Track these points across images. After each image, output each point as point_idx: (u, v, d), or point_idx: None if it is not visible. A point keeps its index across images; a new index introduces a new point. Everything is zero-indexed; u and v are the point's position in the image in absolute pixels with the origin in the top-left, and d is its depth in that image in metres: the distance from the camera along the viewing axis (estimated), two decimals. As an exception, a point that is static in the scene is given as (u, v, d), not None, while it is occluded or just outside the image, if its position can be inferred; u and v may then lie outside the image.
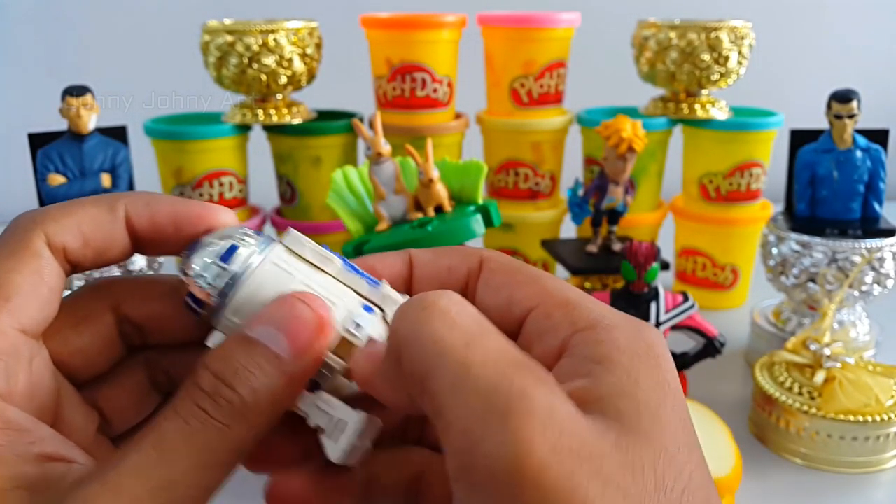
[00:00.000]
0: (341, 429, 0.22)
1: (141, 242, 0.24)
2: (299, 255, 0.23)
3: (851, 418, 0.52)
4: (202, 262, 0.22)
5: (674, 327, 0.58)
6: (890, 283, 0.64)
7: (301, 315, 0.21)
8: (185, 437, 0.19)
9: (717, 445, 0.49)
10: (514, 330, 0.23)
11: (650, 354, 0.20)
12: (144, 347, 0.26)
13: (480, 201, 0.56)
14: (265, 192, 0.84)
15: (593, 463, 0.17)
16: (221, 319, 0.23)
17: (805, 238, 0.64)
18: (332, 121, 0.76)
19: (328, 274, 0.23)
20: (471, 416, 0.17)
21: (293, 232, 0.24)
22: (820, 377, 0.55)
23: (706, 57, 0.73)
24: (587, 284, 0.77)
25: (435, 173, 0.54)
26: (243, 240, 0.23)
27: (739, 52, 0.74)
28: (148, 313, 0.25)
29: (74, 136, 0.63)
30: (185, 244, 0.24)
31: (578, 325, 0.21)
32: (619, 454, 0.18)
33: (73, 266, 0.23)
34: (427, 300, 0.20)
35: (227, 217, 0.24)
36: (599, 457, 0.17)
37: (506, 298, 0.23)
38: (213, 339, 0.23)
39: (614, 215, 0.71)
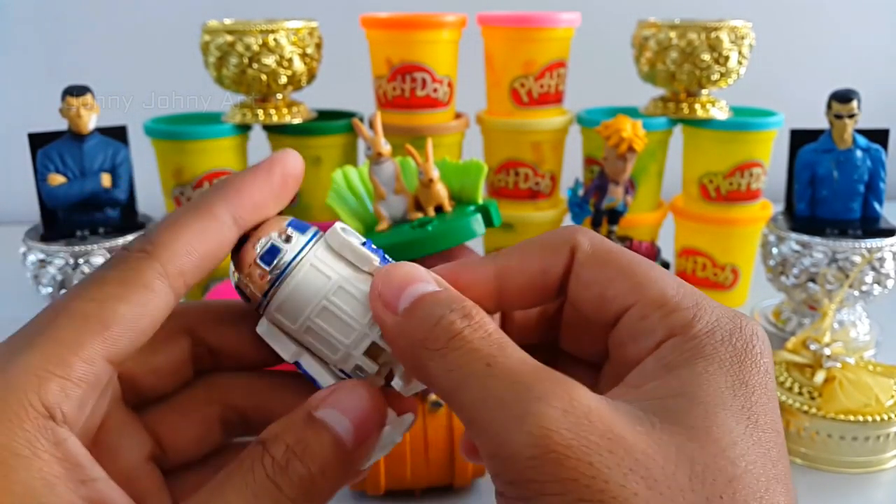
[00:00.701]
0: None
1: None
2: (339, 254, 0.24)
3: (851, 418, 0.52)
4: (245, 263, 0.23)
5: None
6: (890, 283, 0.64)
7: (366, 405, 0.22)
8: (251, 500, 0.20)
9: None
10: (607, 325, 0.23)
11: (736, 356, 0.20)
12: (213, 371, 0.26)
13: (480, 201, 0.56)
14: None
15: (616, 454, 0.18)
16: (267, 312, 0.23)
17: (805, 238, 0.64)
18: (332, 121, 0.76)
19: (366, 273, 0.24)
20: (495, 425, 0.19)
21: (336, 229, 0.24)
22: (820, 377, 0.55)
23: (706, 57, 0.73)
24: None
25: (435, 173, 0.54)
26: (287, 239, 0.23)
27: (739, 52, 0.74)
28: (223, 338, 0.25)
29: (74, 136, 0.63)
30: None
31: (673, 329, 0.21)
32: (652, 445, 0.18)
33: (188, 286, 0.23)
34: (431, 321, 0.21)
35: (296, 162, 0.24)
36: (624, 447, 0.18)
37: (597, 295, 0.23)
38: (261, 328, 0.24)
39: (614, 215, 0.71)
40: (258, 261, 0.23)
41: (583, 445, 0.18)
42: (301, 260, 0.23)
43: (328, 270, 0.23)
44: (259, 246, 0.23)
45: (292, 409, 0.22)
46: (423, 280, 0.22)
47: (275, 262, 0.23)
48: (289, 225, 0.24)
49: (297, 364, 0.24)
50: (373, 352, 0.23)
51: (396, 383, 0.23)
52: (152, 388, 0.24)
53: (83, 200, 0.63)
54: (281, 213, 0.25)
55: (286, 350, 0.24)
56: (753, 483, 0.18)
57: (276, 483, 0.20)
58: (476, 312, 0.21)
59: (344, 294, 0.23)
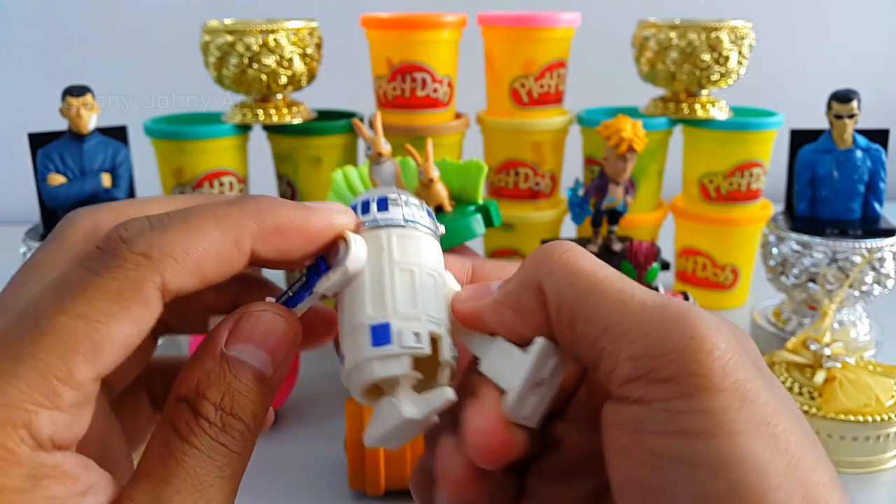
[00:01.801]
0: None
1: (256, 264, 0.22)
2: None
3: (851, 418, 0.52)
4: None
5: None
6: (890, 283, 0.64)
7: (278, 329, 0.21)
8: (218, 475, 0.20)
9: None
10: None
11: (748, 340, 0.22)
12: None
13: (480, 201, 0.56)
14: (265, 192, 0.83)
15: (755, 369, 0.19)
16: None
17: (805, 238, 0.64)
18: (332, 121, 0.76)
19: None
20: (646, 325, 0.19)
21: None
22: (820, 377, 0.55)
23: (706, 57, 0.73)
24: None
25: (435, 173, 0.54)
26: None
27: (739, 52, 0.74)
28: (195, 285, 0.21)
29: (74, 136, 0.63)
30: (304, 263, 0.23)
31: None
32: (762, 375, 0.20)
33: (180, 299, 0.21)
34: (566, 245, 0.22)
35: (343, 219, 0.23)
36: (755, 367, 0.19)
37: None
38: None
39: (614, 215, 0.71)
40: (373, 204, 0.24)
41: (739, 354, 0.19)
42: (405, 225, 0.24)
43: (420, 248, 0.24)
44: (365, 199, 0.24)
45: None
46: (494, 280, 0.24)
47: (388, 211, 0.24)
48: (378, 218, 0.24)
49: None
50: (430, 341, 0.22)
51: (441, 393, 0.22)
52: (122, 383, 0.24)
53: (83, 200, 0.63)
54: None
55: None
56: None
57: (224, 444, 0.20)
58: None
59: (429, 275, 0.23)
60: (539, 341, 0.21)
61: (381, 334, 0.21)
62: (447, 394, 0.22)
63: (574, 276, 0.21)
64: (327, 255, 0.23)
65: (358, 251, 0.22)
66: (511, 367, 0.22)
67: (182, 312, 0.23)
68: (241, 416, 0.20)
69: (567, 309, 0.21)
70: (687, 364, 0.18)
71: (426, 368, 0.22)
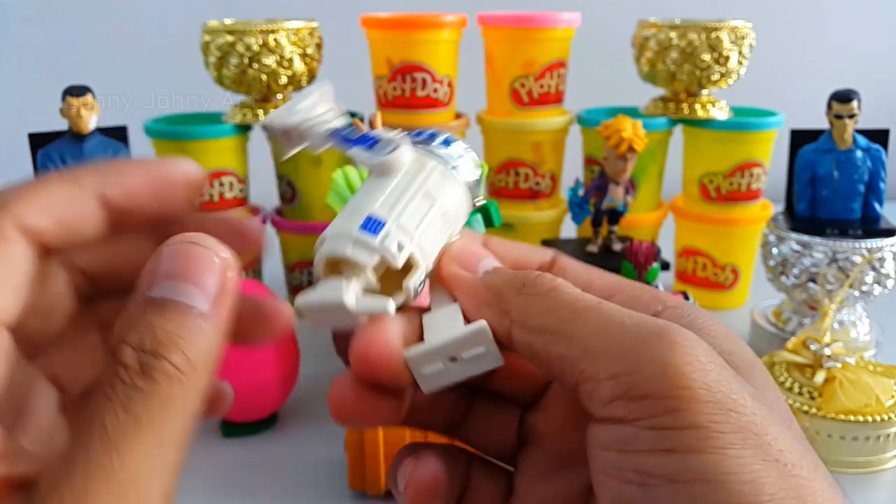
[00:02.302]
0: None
1: (119, 216, 0.22)
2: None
3: (851, 418, 0.52)
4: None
5: (674, 327, 0.58)
6: (890, 283, 0.64)
7: (201, 258, 0.20)
8: (132, 425, 0.17)
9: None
10: None
11: (732, 333, 0.22)
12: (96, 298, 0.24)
13: (481, 201, 0.56)
14: (265, 192, 0.84)
15: (739, 380, 0.19)
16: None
17: (805, 238, 0.64)
18: (333, 121, 0.76)
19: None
20: (626, 342, 0.19)
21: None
22: (820, 377, 0.55)
23: (706, 57, 0.73)
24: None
25: (435, 173, 0.54)
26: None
27: (740, 52, 0.74)
28: (98, 264, 0.22)
29: (75, 136, 0.63)
30: (163, 216, 0.22)
31: (668, 302, 0.23)
32: (747, 384, 0.19)
33: (46, 249, 0.21)
34: (551, 281, 0.22)
35: (190, 167, 0.23)
36: (738, 379, 0.19)
37: (584, 284, 0.23)
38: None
39: (614, 215, 0.71)
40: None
41: (721, 366, 0.19)
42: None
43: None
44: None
45: None
46: (491, 257, 0.24)
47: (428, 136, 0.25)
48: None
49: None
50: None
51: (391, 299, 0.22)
52: (40, 331, 0.22)
53: (83, 200, 0.63)
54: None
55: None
56: (799, 430, 0.20)
57: (142, 388, 0.18)
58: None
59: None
60: (479, 325, 0.22)
61: (373, 225, 0.22)
62: (388, 305, 0.22)
63: (556, 309, 0.21)
64: (380, 139, 0.24)
65: (403, 156, 0.24)
66: (443, 330, 0.22)
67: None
68: (166, 355, 0.18)
69: (545, 337, 0.20)
70: (669, 378, 0.18)
71: (388, 287, 0.23)
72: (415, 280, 0.22)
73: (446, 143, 0.25)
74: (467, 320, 0.22)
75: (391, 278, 0.22)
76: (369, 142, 0.24)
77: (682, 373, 0.18)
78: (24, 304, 0.20)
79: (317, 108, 0.25)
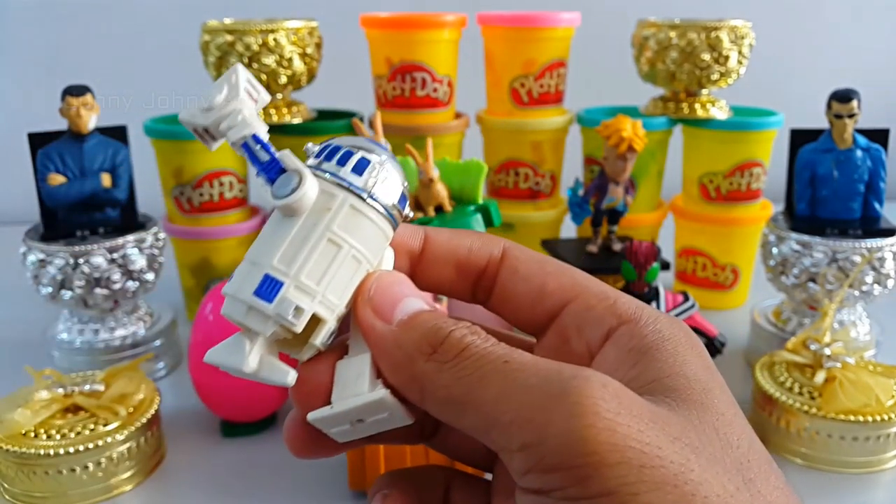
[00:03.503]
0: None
1: None
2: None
3: (851, 418, 0.52)
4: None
5: (674, 327, 0.58)
6: (890, 282, 0.64)
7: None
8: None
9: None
10: (543, 321, 0.23)
11: (690, 342, 0.21)
12: None
13: (480, 201, 0.56)
14: (265, 192, 0.84)
15: (658, 423, 0.17)
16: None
17: (805, 238, 0.64)
18: (332, 120, 0.76)
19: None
20: (529, 409, 0.18)
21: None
22: (820, 377, 0.55)
23: (706, 56, 0.73)
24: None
25: (435, 173, 0.54)
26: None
27: (739, 52, 0.74)
28: None
29: (74, 135, 0.63)
30: None
31: (623, 317, 0.21)
32: (680, 417, 0.18)
33: None
34: (456, 336, 0.20)
35: None
36: (662, 419, 0.18)
37: (536, 288, 0.23)
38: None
39: (614, 215, 0.71)
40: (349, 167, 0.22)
41: (630, 414, 0.17)
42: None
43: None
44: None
45: None
46: (416, 296, 0.22)
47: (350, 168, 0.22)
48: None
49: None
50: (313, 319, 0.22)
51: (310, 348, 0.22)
52: None
53: (83, 200, 0.63)
54: None
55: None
56: (761, 450, 0.19)
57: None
58: (479, 328, 0.21)
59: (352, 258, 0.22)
60: (378, 395, 0.20)
61: (268, 289, 0.21)
62: (286, 378, 0.21)
63: (461, 381, 0.19)
64: (284, 169, 0.22)
65: (305, 197, 0.21)
66: (350, 387, 0.21)
67: None
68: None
69: (453, 408, 0.19)
70: (574, 446, 0.17)
71: (304, 334, 0.22)
72: (321, 337, 0.21)
73: (360, 166, 0.22)
74: (379, 374, 0.21)
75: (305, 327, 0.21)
76: (272, 171, 0.22)
77: (586, 438, 0.17)
78: None
79: (231, 104, 0.22)
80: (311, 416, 0.21)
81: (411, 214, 0.23)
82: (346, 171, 0.22)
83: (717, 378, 0.20)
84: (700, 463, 0.17)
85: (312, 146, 0.23)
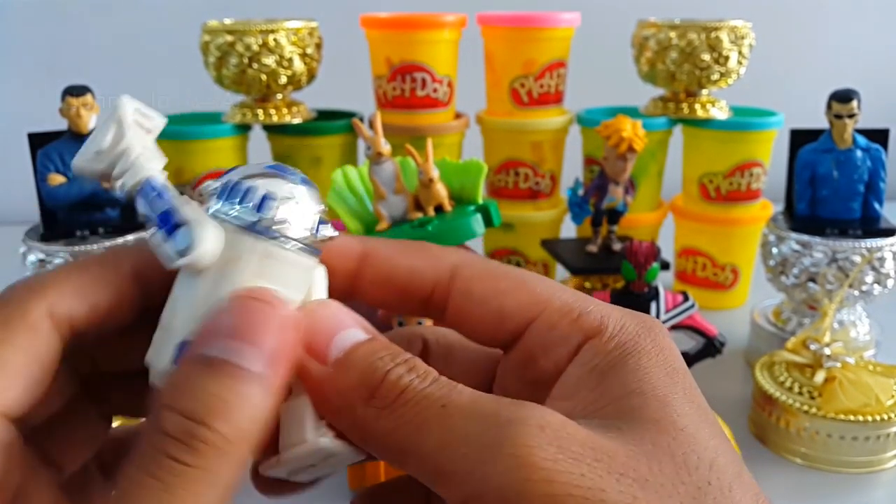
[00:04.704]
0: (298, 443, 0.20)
1: (153, 297, 0.21)
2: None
3: (851, 418, 0.52)
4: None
5: (674, 327, 0.58)
6: (890, 282, 0.64)
7: (265, 317, 0.18)
8: (164, 499, 0.16)
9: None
10: (507, 340, 0.22)
11: (656, 347, 0.20)
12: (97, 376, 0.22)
13: (480, 201, 0.56)
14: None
15: (602, 461, 0.17)
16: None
17: (805, 238, 0.64)
18: (332, 121, 0.76)
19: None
20: (468, 462, 0.17)
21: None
22: (820, 377, 0.55)
23: (706, 57, 0.73)
24: (587, 284, 0.77)
25: (435, 173, 0.54)
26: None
27: (739, 52, 0.74)
28: (84, 310, 0.20)
29: (74, 135, 0.63)
30: None
31: (588, 332, 0.21)
32: (630, 447, 0.17)
33: (78, 337, 0.20)
34: (392, 379, 0.19)
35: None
36: (608, 454, 0.17)
37: (494, 310, 0.21)
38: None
39: (614, 215, 0.71)
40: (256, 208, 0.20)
41: (570, 458, 0.17)
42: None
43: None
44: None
45: None
46: (351, 325, 0.20)
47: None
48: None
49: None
50: None
51: None
52: (39, 418, 0.21)
53: (83, 200, 0.63)
54: None
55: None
56: (728, 464, 0.18)
57: (179, 459, 0.16)
58: (418, 362, 0.19)
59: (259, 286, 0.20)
60: (314, 445, 0.19)
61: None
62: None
63: (400, 428, 0.18)
64: (180, 222, 0.19)
65: (205, 254, 0.19)
66: (293, 434, 0.19)
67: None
68: (212, 424, 0.17)
69: (394, 455, 0.19)
70: (513, 499, 0.16)
71: None
72: None
73: (263, 204, 0.20)
74: (322, 416, 0.20)
75: None
76: (168, 224, 0.20)
77: (523, 492, 0.16)
78: (36, 395, 0.19)
79: (120, 144, 0.20)
80: (261, 469, 0.20)
81: (331, 234, 0.21)
82: (249, 212, 0.19)
83: (681, 390, 0.19)
84: (648, 499, 0.16)
85: (210, 184, 0.21)
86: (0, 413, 0.18)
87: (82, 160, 0.20)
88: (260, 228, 0.19)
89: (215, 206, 0.20)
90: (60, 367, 0.20)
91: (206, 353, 0.18)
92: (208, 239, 0.19)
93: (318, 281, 0.21)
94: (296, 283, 0.20)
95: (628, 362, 0.20)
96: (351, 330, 0.20)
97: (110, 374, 0.22)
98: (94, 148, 0.21)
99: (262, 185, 0.20)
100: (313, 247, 0.20)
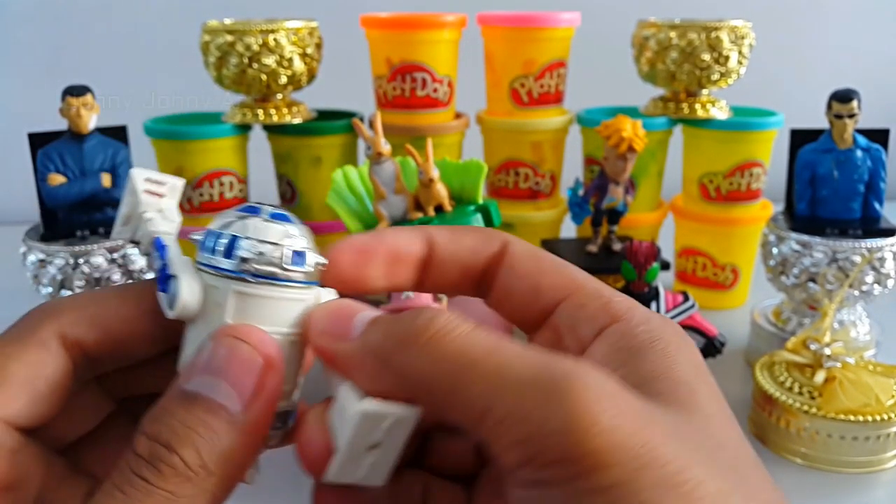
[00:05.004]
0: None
1: (177, 334, 0.21)
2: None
3: (851, 418, 0.52)
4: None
5: (674, 327, 0.58)
6: (890, 282, 0.64)
7: (242, 356, 0.19)
8: None
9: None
10: (538, 318, 0.23)
11: (682, 341, 0.21)
12: (129, 393, 0.24)
13: (480, 201, 0.56)
14: (265, 192, 0.84)
15: (654, 422, 0.17)
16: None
17: (805, 238, 0.64)
18: (332, 121, 0.76)
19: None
20: (524, 406, 0.17)
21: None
22: (820, 377, 0.55)
23: (706, 57, 0.73)
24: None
25: (435, 173, 0.54)
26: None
27: (739, 52, 0.74)
28: (96, 337, 0.21)
29: (74, 135, 0.63)
30: None
31: (615, 315, 0.21)
32: (671, 417, 0.18)
33: (93, 362, 0.21)
34: (434, 323, 0.19)
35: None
36: (657, 418, 0.18)
37: (532, 286, 0.22)
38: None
39: (614, 215, 0.71)
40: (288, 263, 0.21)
41: (626, 414, 0.17)
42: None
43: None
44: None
45: None
46: (367, 309, 0.21)
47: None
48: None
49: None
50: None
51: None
52: (72, 434, 0.23)
53: (83, 200, 0.63)
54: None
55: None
56: (748, 451, 0.19)
57: (144, 477, 0.18)
58: (457, 314, 0.19)
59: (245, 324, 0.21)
60: (358, 412, 0.19)
61: None
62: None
63: (442, 362, 0.18)
64: (168, 276, 0.21)
65: (186, 303, 0.20)
66: (344, 426, 0.19)
67: None
68: (178, 449, 0.18)
69: (439, 396, 0.18)
70: (572, 446, 0.17)
71: None
72: (276, 423, 0.21)
73: (230, 248, 0.20)
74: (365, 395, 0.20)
75: None
76: (162, 279, 0.21)
77: (584, 440, 0.17)
78: (42, 409, 0.20)
79: (134, 212, 0.23)
80: (325, 477, 0.20)
81: (318, 261, 0.21)
82: (219, 258, 0.20)
83: (705, 379, 0.20)
84: (696, 461, 0.17)
85: (195, 235, 0.22)
86: (3, 420, 0.19)
87: (115, 231, 0.24)
88: (230, 272, 0.20)
89: (199, 256, 0.21)
90: (90, 389, 0.22)
91: (184, 386, 0.19)
92: (184, 291, 0.20)
93: (324, 298, 0.22)
94: (283, 313, 0.21)
95: (656, 347, 0.20)
96: (368, 311, 0.21)
97: (146, 396, 0.23)
98: (119, 220, 0.24)
99: (234, 229, 0.21)
100: (291, 279, 0.21)
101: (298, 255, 0.21)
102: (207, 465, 0.18)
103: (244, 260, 0.20)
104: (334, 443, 0.20)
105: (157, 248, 0.22)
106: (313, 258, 0.21)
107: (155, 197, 0.23)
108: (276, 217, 0.21)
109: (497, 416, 0.17)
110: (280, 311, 0.21)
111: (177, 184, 0.24)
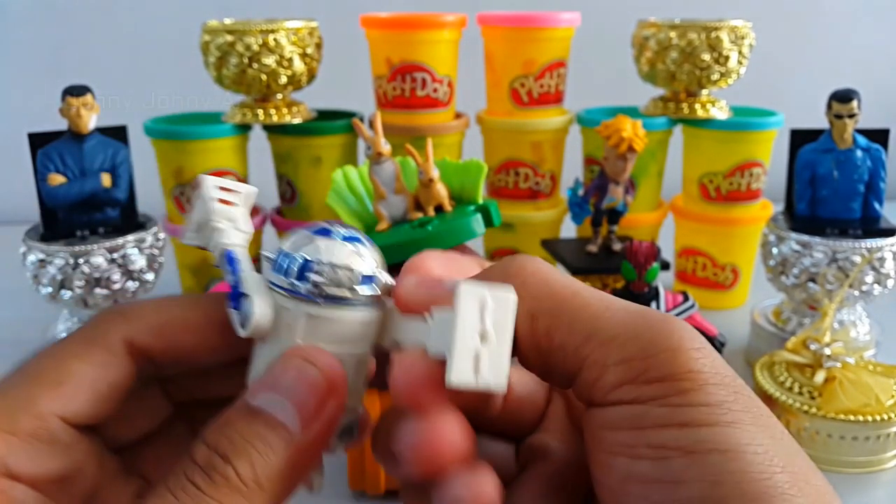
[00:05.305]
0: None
1: (245, 346, 0.22)
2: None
3: (851, 418, 0.52)
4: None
5: (674, 327, 0.58)
6: (890, 282, 0.64)
7: (308, 378, 0.20)
8: None
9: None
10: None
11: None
12: (189, 398, 0.24)
13: (480, 201, 0.56)
14: (265, 192, 0.84)
15: (734, 377, 0.20)
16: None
17: (805, 238, 0.64)
18: (332, 121, 0.76)
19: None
20: (633, 328, 0.19)
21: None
22: (820, 377, 0.55)
23: (706, 57, 0.73)
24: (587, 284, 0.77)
25: (435, 173, 0.54)
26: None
27: (739, 52, 0.74)
28: (163, 346, 0.22)
29: (74, 135, 0.63)
30: None
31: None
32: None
33: (157, 368, 0.22)
34: (539, 261, 0.21)
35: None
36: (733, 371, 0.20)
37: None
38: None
39: (614, 215, 0.71)
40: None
41: (717, 355, 0.20)
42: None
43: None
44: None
45: None
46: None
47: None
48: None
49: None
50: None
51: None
52: (129, 435, 0.23)
53: (83, 200, 0.63)
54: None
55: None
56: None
57: (196, 484, 0.18)
58: None
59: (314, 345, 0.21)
60: (460, 286, 0.19)
61: None
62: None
63: (552, 286, 0.20)
64: (242, 296, 0.21)
65: (258, 324, 0.20)
66: (444, 334, 0.19)
67: None
68: (232, 461, 0.18)
69: (545, 317, 0.20)
70: (681, 363, 0.19)
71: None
72: (346, 436, 0.22)
73: (303, 271, 0.21)
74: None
75: None
76: (234, 298, 0.21)
77: (693, 357, 0.19)
78: (103, 409, 0.21)
79: (204, 220, 0.23)
80: (448, 381, 0.19)
81: (387, 282, 0.22)
82: (293, 280, 0.21)
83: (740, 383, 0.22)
84: (767, 422, 0.19)
85: (268, 254, 0.22)
86: (61, 416, 0.20)
87: (187, 237, 0.23)
88: (302, 295, 0.21)
89: (271, 275, 0.21)
90: (151, 391, 0.23)
91: (249, 401, 0.20)
92: (257, 312, 0.20)
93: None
94: (352, 335, 0.21)
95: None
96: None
97: (207, 401, 0.24)
98: (190, 225, 0.23)
99: (307, 251, 0.21)
100: (363, 298, 0.21)
101: (368, 279, 0.21)
102: (260, 479, 0.19)
103: (316, 284, 0.21)
104: (442, 354, 0.19)
105: (228, 261, 0.22)
106: (382, 280, 0.22)
107: (226, 205, 0.23)
108: (347, 239, 0.21)
109: (603, 337, 0.19)
110: (349, 331, 0.21)
111: (250, 192, 0.23)
